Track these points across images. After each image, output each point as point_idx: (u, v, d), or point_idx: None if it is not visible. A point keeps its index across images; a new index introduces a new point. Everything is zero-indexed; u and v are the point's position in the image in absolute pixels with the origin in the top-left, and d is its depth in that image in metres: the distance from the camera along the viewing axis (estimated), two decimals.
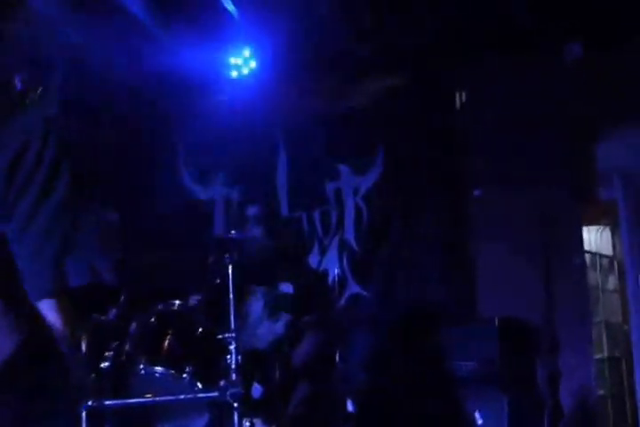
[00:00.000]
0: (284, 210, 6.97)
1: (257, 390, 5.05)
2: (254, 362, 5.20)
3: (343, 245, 6.73)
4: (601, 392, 6.77)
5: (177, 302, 4.51)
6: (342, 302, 6.55)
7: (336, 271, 6.64)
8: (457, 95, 6.51)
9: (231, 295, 4.35)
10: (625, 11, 5.61)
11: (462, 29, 6.13)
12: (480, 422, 5.17)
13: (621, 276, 6.61)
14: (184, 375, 4.21)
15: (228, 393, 4.07)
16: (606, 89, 5.79)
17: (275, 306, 5.81)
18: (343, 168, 6.84)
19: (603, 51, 5.80)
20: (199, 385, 4.23)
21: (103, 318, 4.35)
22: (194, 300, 4.67)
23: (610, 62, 5.81)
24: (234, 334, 4.26)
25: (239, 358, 4.28)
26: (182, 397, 4.14)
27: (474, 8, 5.89)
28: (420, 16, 6.14)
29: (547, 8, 5.73)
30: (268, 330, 5.71)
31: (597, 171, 5.94)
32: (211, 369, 4.31)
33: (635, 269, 5.66)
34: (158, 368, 4.21)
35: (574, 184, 5.93)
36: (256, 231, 5.82)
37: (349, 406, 5.58)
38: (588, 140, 5.95)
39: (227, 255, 4.39)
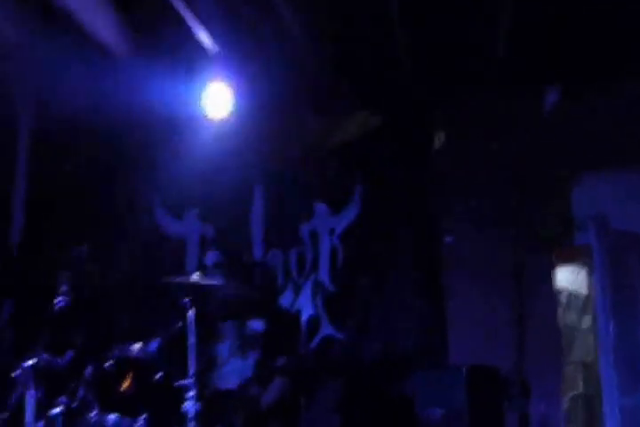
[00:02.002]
0: (258, 248, 6.90)
1: None
2: (219, 406, 5.11)
3: (318, 286, 6.65)
4: None
5: (136, 346, 4.41)
6: (315, 343, 6.47)
7: (310, 312, 6.57)
8: (435, 138, 6.47)
9: (191, 340, 4.24)
10: (603, 58, 5.63)
11: (444, 72, 6.14)
12: None
13: (596, 315, 6.55)
14: (139, 423, 4.11)
15: None
16: (584, 134, 5.79)
17: (244, 344, 5.73)
18: (319, 208, 6.79)
19: (581, 96, 5.79)
20: None
21: (59, 360, 4.24)
22: (154, 344, 4.58)
23: (588, 108, 5.81)
24: (192, 380, 4.15)
25: (199, 404, 4.16)
26: None
27: (455, 51, 5.93)
28: (402, 58, 6.17)
29: (527, 53, 5.76)
30: (236, 369, 5.62)
31: (572, 216, 5.90)
32: (167, 417, 4.21)
33: (605, 310, 5.59)
34: (112, 415, 4.12)
35: (549, 229, 5.88)
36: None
37: None
38: (564, 185, 5.92)
39: (188, 299, 4.29)
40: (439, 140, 6.50)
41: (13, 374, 3.96)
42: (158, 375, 4.34)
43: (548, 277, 5.96)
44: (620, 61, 5.66)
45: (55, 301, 4.17)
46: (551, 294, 5.99)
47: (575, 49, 5.63)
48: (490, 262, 5.87)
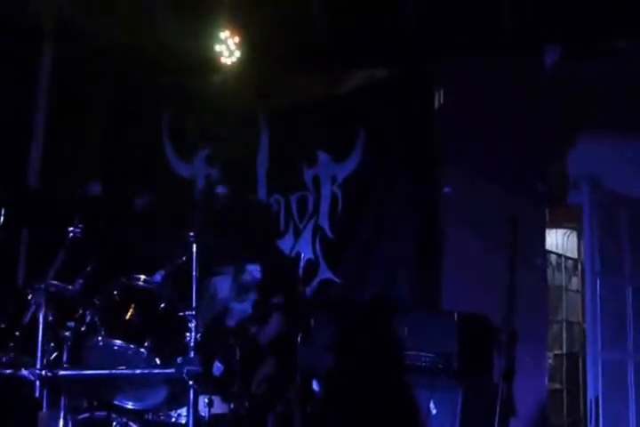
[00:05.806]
0: (262, 192, 7.06)
1: (218, 368, 5.15)
2: (218, 340, 5.29)
3: (317, 231, 6.82)
4: (557, 386, 7.01)
5: (142, 276, 4.56)
6: (313, 285, 6.66)
7: (308, 255, 6.75)
8: (436, 93, 6.57)
9: (194, 273, 4.37)
10: (605, 17, 5.69)
11: (446, 29, 6.20)
12: (434, 411, 5.29)
13: (584, 277, 6.74)
14: (142, 350, 4.27)
15: (184, 370, 4.10)
16: (581, 94, 5.86)
17: (243, 287, 5.90)
18: (322, 155, 6.92)
19: (579, 56, 5.87)
20: (157, 361, 4.30)
21: (69, 287, 4.40)
22: (158, 276, 4.73)
23: (586, 68, 5.87)
24: (194, 312, 4.30)
25: (199, 336, 4.32)
26: (138, 371, 4.20)
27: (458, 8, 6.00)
28: (405, 13, 6.24)
29: (529, 11, 5.82)
30: (236, 309, 5.80)
31: (567, 176, 6.02)
32: (170, 346, 4.38)
33: (593, 271, 5.76)
34: (117, 341, 4.28)
35: (543, 187, 6.01)
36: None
37: (315, 386, 5.68)
38: (560, 144, 6.02)
39: (191, 234, 4.42)
40: (439, 95, 6.60)
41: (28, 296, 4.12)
42: (162, 306, 4.49)
43: (540, 235, 6.12)
44: (622, 21, 5.71)
45: (68, 231, 4.30)
46: (542, 251, 6.17)
47: (577, 7, 5.69)
48: (487, 214, 6.01)
